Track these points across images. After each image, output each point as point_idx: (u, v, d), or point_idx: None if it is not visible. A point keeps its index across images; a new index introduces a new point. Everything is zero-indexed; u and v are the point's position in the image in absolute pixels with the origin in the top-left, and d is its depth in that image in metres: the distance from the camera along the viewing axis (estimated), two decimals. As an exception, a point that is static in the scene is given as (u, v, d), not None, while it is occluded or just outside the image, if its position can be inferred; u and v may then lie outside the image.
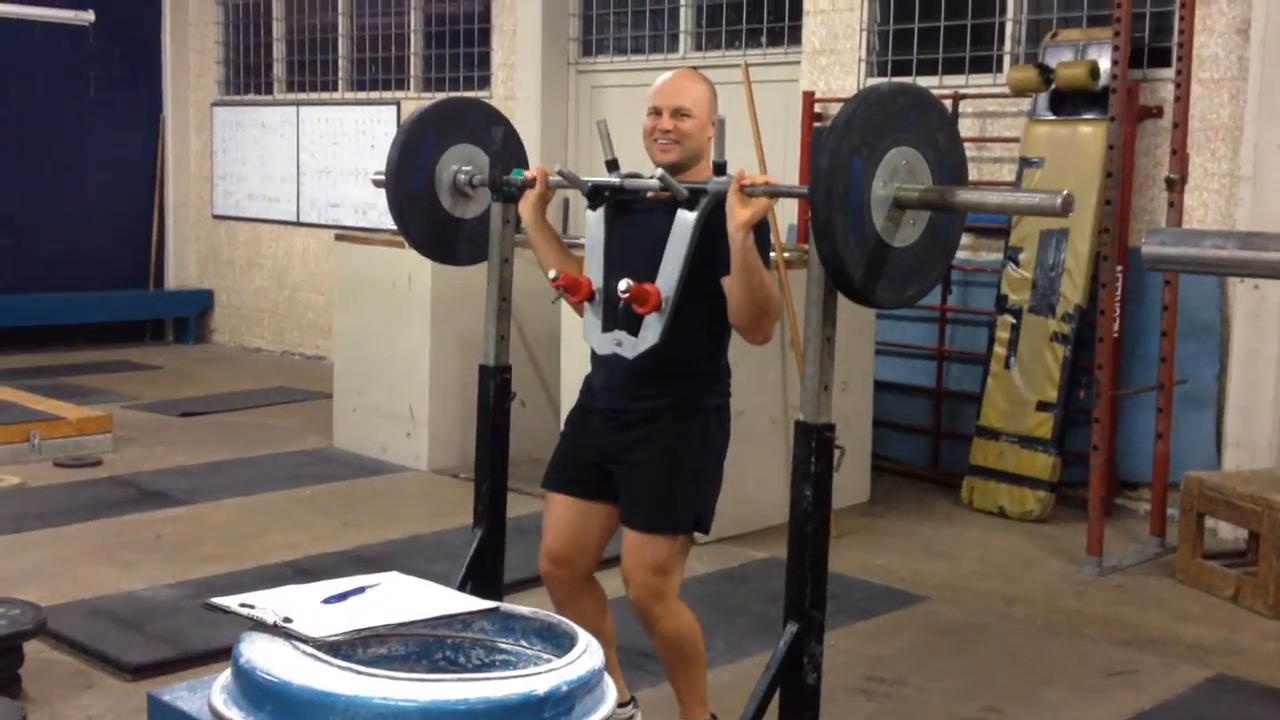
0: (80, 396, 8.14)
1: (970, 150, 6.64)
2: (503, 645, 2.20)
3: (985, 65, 6.78)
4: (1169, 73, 5.78)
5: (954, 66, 6.86)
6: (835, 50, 7.20)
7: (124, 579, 4.92)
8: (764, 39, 7.78)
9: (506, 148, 3.62)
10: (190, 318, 11.22)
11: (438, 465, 6.72)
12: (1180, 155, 5.49)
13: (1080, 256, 6.03)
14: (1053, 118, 6.24)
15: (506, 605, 2.27)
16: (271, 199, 10.71)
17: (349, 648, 2.08)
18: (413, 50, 9.63)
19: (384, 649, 2.14)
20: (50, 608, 4.22)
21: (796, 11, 7.44)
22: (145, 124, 11.23)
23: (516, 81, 8.78)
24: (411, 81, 9.65)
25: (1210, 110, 5.92)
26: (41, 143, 10.57)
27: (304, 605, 2.14)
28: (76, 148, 10.72)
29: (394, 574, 2.38)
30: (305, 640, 2.01)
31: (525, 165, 3.65)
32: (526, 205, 3.43)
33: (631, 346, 3.13)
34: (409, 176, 3.57)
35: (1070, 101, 6.16)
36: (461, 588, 3.57)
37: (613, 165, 3.31)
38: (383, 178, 3.66)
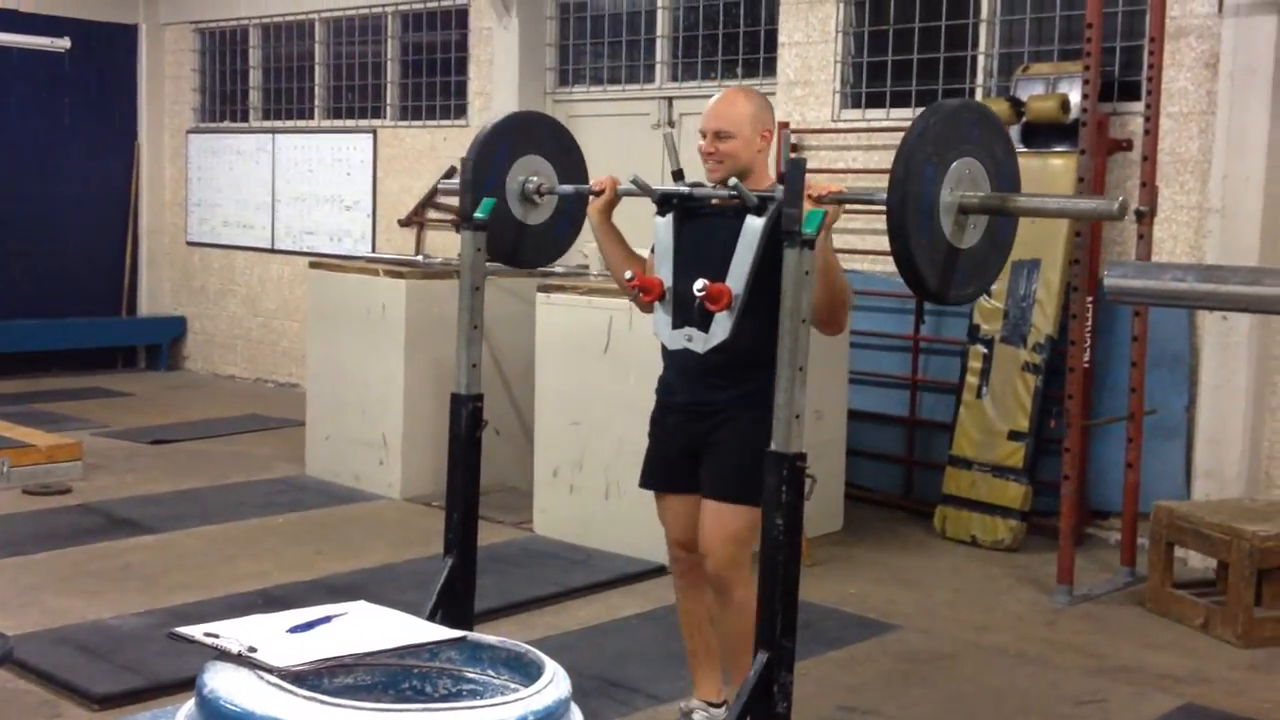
0: (51, 424, 8.08)
1: (943, 181, 6.71)
2: (470, 675, 2.19)
3: (958, 98, 6.84)
4: (1139, 106, 5.85)
5: (927, 99, 6.90)
6: (810, 82, 7.26)
7: (92, 608, 4.88)
8: (739, 70, 7.82)
9: (563, 163, 3.92)
10: (163, 345, 11.17)
11: (411, 493, 6.70)
12: (1150, 188, 5.55)
13: (1051, 287, 6.08)
14: (1025, 150, 6.26)
15: (474, 635, 2.26)
16: (246, 226, 10.69)
17: (314, 678, 2.06)
18: (389, 79, 9.65)
19: (350, 679, 2.13)
20: (17, 636, 4.18)
21: (772, 44, 7.50)
22: (120, 151, 11.20)
23: (493, 111, 8.79)
24: (388, 110, 9.67)
25: (1179, 143, 5.99)
26: (15, 168, 10.52)
27: (269, 635, 2.13)
28: (50, 174, 10.69)
29: (361, 603, 2.37)
30: (270, 670, 2.00)
31: (586, 179, 3.94)
32: (595, 210, 3.71)
33: (702, 341, 3.36)
34: (482, 183, 3.81)
35: (1042, 134, 6.22)
36: (431, 617, 3.57)
37: (679, 175, 3.56)
38: (451, 184, 3.82)
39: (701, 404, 3.51)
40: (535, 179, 3.86)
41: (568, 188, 3.87)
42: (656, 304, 3.48)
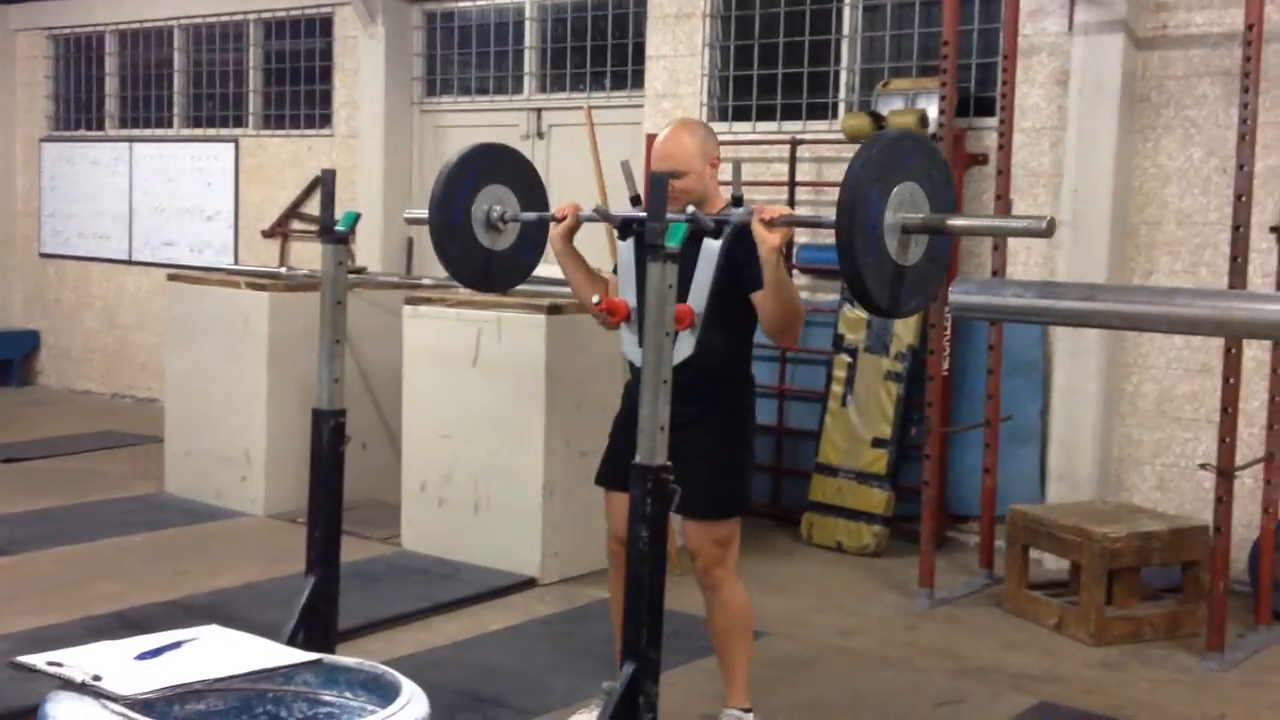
0: (-107, 443, 7.76)
1: (808, 194, 6.84)
2: (326, 698, 2.15)
3: (821, 112, 6.96)
4: (993, 122, 6.01)
5: (792, 112, 7.03)
6: (677, 94, 7.32)
7: (-64, 635, 4.69)
8: (608, 82, 7.86)
9: (525, 191, 4.05)
10: (14, 359, 10.78)
11: (275, 510, 6.57)
12: (1004, 201, 5.72)
13: (912, 297, 6.21)
14: (885, 163, 6.42)
15: (330, 657, 2.23)
16: (102, 237, 10.38)
17: (163, 705, 2.01)
18: (252, 87, 9.47)
19: (201, 705, 2.08)
20: None
21: (640, 57, 7.54)
22: (-32, 159, 10.81)
23: (359, 120, 8.71)
24: (250, 119, 9.49)
25: (1032, 158, 6.17)
26: None
27: (115, 662, 2.07)
28: (-107, 182, 10.26)
29: (213, 627, 2.32)
30: (115, 699, 1.95)
31: (547, 206, 4.07)
32: (557, 236, 3.86)
33: None
34: (450, 210, 3.92)
35: (901, 148, 6.35)
36: (293, 636, 3.51)
37: (636, 200, 3.72)
38: (416, 215, 4.07)
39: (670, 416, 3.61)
40: (499, 207, 3.99)
41: (530, 215, 4.00)
42: (622, 324, 3.61)
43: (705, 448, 3.71)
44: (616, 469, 3.87)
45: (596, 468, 4.10)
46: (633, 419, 3.77)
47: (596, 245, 4.41)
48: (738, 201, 3.53)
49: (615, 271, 3.88)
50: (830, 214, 3.04)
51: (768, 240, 3.34)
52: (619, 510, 3.86)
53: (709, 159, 3.83)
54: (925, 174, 3.09)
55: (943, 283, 3.38)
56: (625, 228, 3.71)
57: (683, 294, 3.39)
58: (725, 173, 3.88)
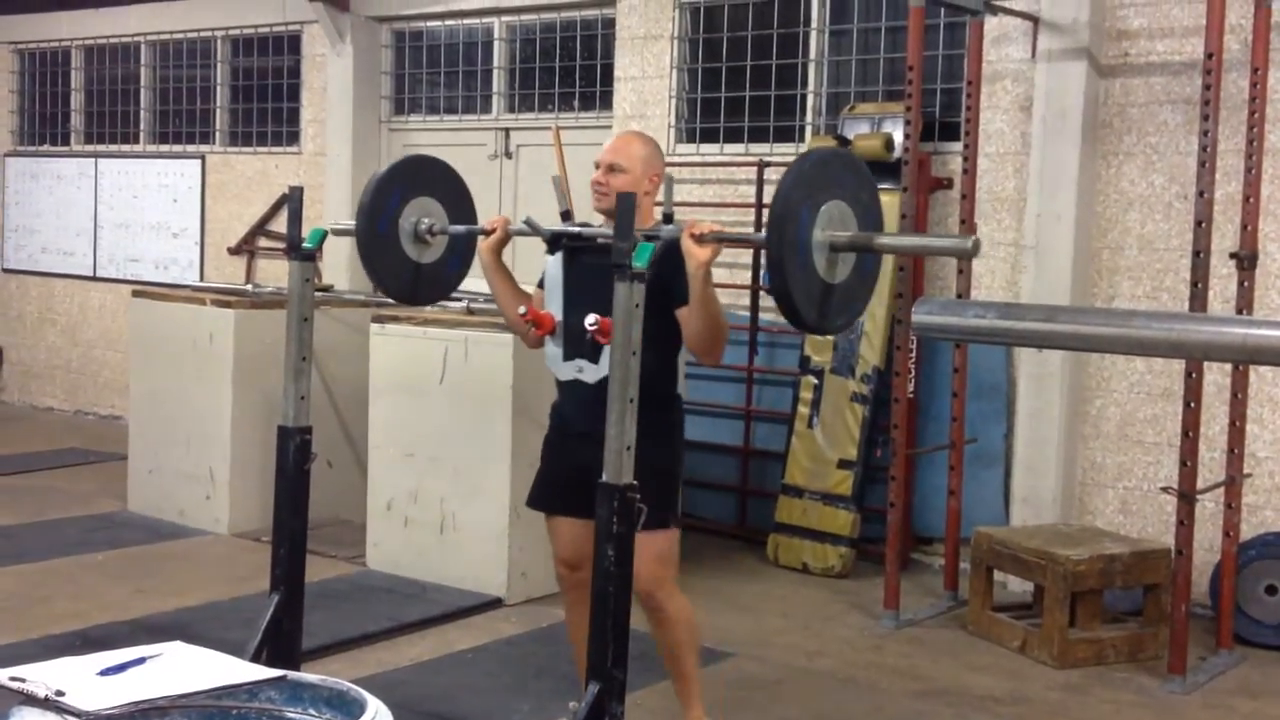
0: None
1: (774, 216, 6.86)
2: (290, 714, 2.14)
3: (788, 135, 7.01)
4: (958, 146, 6.07)
5: (759, 135, 7.07)
6: (645, 116, 7.35)
7: (-108, 654, 4.62)
8: (576, 103, 7.89)
9: (453, 203, 4.01)
10: (-24, 375, 10.69)
11: (239, 528, 6.53)
12: (968, 225, 5.77)
13: (878, 320, 6.26)
14: (851, 186, 6.47)
15: (294, 673, 2.22)
16: (67, 253, 10.31)
17: (127, 721, 2.00)
18: (219, 104, 9.44)
19: (165, 721, 2.06)
20: None
21: (608, 78, 7.58)
22: (-70, 173, 10.71)
23: (327, 138, 8.70)
24: (217, 135, 9.46)
25: (996, 182, 6.24)
26: None
27: (79, 677, 2.05)
28: None
29: (177, 644, 2.30)
30: (78, 715, 1.93)
31: (475, 218, 4.04)
32: (485, 249, 3.84)
33: (594, 373, 3.53)
34: (377, 222, 3.89)
35: (867, 171, 6.40)
36: (256, 655, 3.50)
37: (566, 215, 3.73)
38: (342, 226, 4.07)
39: (598, 432, 3.46)
40: (427, 220, 3.96)
41: (459, 228, 3.97)
42: (548, 338, 3.62)
43: (636, 463, 3.62)
44: (549, 492, 3.87)
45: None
46: (567, 436, 3.79)
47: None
48: (668, 219, 3.49)
49: (540, 285, 3.85)
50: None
51: (697, 255, 3.32)
52: (563, 534, 3.89)
53: (649, 173, 3.77)
54: (853, 193, 3.11)
55: (869, 301, 3.38)
56: (555, 241, 3.69)
57: (609, 308, 3.26)
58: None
